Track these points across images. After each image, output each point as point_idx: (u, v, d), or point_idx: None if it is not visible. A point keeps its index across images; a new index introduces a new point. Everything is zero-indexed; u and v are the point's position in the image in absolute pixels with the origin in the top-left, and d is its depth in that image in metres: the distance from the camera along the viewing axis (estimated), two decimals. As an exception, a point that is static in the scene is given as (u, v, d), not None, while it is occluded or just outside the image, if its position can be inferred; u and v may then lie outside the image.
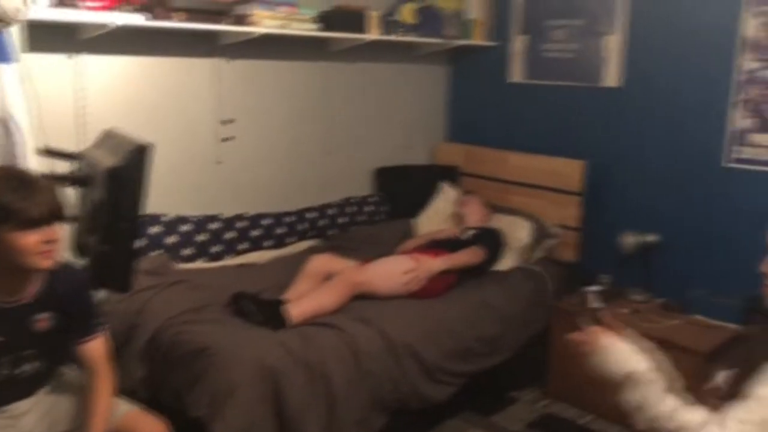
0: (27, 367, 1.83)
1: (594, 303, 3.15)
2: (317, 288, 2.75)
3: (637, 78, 3.37)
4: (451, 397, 2.77)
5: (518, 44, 3.81)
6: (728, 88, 3.05)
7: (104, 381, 1.90)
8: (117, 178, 1.81)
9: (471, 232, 3.35)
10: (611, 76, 3.45)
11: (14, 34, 2.11)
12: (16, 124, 2.08)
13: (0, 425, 1.82)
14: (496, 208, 3.68)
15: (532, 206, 3.67)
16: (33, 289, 1.79)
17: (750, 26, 2.97)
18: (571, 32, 3.58)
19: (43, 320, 1.81)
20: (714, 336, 2.91)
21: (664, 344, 2.65)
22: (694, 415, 1.45)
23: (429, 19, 3.63)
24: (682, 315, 3.09)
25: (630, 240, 3.23)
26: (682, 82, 3.21)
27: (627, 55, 3.39)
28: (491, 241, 3.30)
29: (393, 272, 2.90)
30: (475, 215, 3.55)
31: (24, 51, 2.19)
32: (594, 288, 3.21)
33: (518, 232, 3.52)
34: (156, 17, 2.63)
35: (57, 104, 2.62)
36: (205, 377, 2.22)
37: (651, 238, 3.19)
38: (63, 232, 1.75)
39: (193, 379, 2.26)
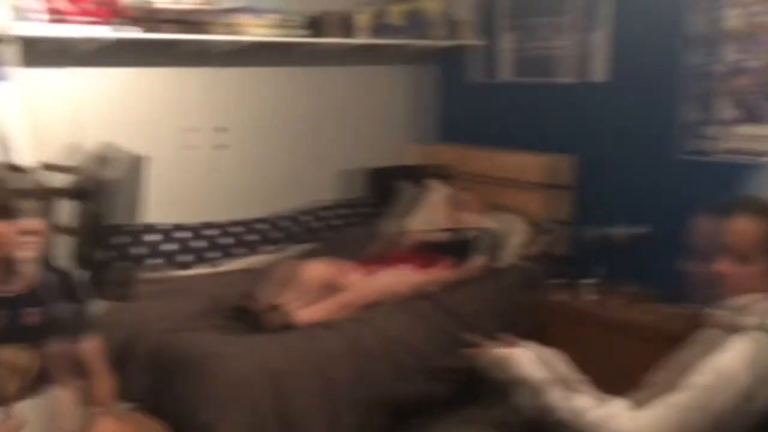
0: None
1: (589, 295, 3.20)
2: (324, 301, 2.79)
3: (624, 71, 3.41)
4: (453, 393, 2.82)
5: (506, 42, 3.85)
6: (714, 78, 3.10)
7: (102, 380, 1.96)
8: (113, 190, 1.85)
9: (466, 234, 3.39)
10: (599, 70, 3.49)
11: (7, 53, 2.14)
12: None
13: None
14: (490, 207, 3.72)
15: (525, 203, 3.71)
16: (24, 282, 1.84)
17: (732, 18, 3.01)
18: (558, 29, 3.62)
19: (32, 314, 1.86)
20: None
21: (659, 335, 2.74)
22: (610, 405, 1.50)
23: (416, 21, 3.67)
24: (675, 305, 3.13)
25: (620, 232, 3.26)
26: (669, 73, 3.25)
27: (613, 49, 3.43)
28: (491, 246, 3.35)
29: (401, 290, 2.94)
30: (471, 214, 3.59)
31: (19, 66, 2.22)
32: (588, 281, 3.25)
33: (512, 229, 3.56)
34: (146, 30, 2.66)
35: (53, 118, 2.64)
36: (210, 382, 2.25)
37: (641, 229, 3.23)
38: (41, 226, 1.79)
39: (197, 385, 2.29)
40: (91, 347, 1.97)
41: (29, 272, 1.84)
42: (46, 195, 1.88)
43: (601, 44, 3.46)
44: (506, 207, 3.71)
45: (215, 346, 2.35)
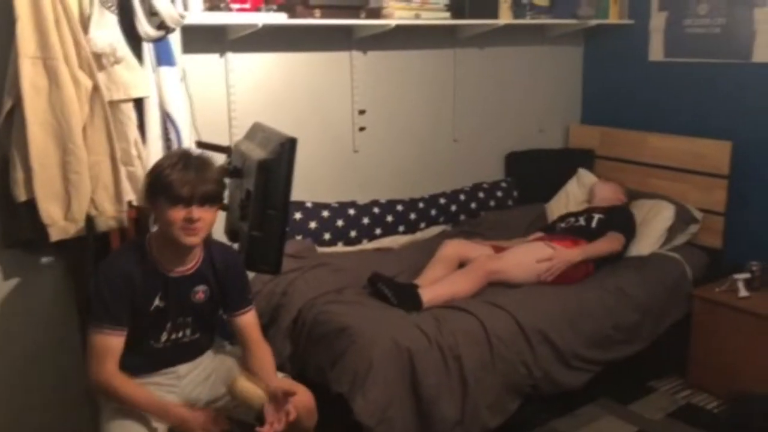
0: (187, 333, 2.04)
1: (743, 291, 3.00)
2: (451, 274, 2.82)
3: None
4: (588, 383, 2.76)
5: (658, 21, 3.64)
6: None
7: (262, 348, 2.09)
8: (267, 169, 1.96)
9: (597, 217, 3.25)
10: (762, 50, 3.22)
11: (175, 39, 2.32)
12: (173, 123, 2.29)
13: (165, 384, 2.04)
14: (635, 194, 3.57)
15: (674, 190, 3.52)
16: (194, 262, 1.99)
17: None
18: (716, 5, 3.38)
19: (201, 292, 2.01)
20: None
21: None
22: None
23: (562, 0, 3.55)
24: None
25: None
26: None
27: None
28: (625, 223, 3.21)
29: (529, 261, 2.89)
30: (605, 196, 3.47)
31: (180, 53, 2.41)
32: (743, 275, 3.04)
33: (661, 214, 3.39)
34: (297, 15, 2.78)
35: (209, 101, 2.83)
36: (346, 355, 2.35)
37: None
38: (212, 215, 1.90)
39: (335, 357, 2.39)
40: (251, 319, 2.10)
41: (198, 252, 2.00)
42: (223, 177, 2.01)
43: (766, 21, 3.19)
44: (654, 194, 3.55)
45: (355, 320, 2.44)
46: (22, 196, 2.07)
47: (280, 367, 2.39)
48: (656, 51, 3.68)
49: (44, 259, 2.40)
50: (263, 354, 2.09)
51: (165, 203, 1.83)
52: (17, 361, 2.44)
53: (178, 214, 1.83)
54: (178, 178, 1.82)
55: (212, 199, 1.88)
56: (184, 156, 1.90)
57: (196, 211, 1.84)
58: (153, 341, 1.99)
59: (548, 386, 2.62)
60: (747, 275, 3.04)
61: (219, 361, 2.16)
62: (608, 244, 3.05)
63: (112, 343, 1.87)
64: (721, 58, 3.39)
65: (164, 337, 2.00)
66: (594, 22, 3.68)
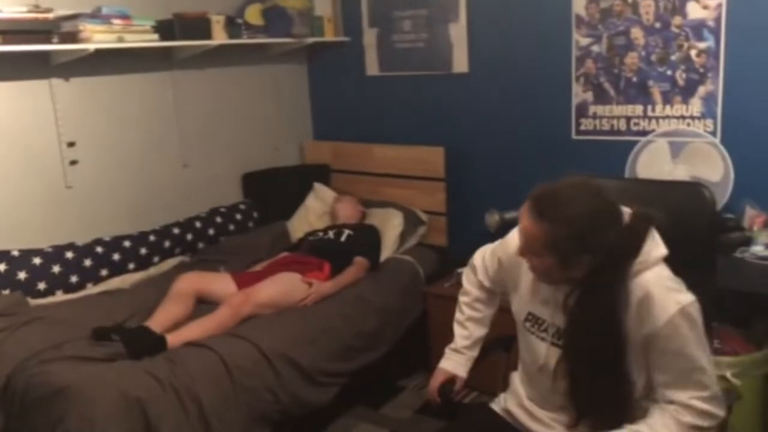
0: None
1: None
2: (202, 319, 2.64)
3: (483, 62, 3.48)
4: (339, 395, 2.77)
5: (370, 37, 3.83)
6: (569, 63, 3.21)
7: None
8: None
9: (347, 233, 3.35)
10: (460, 62, 3.54)
11: None
12: None
13: None
14: (368, 203, 3.72)
15: (403, 196, 3.73)
16: None
17: (579, 5, 3.13)
18: (418, 21, 3.64)
19: None
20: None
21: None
22: None
23: (276, 20, 3.58)
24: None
25: (494, 218, 3.33)
26: (526, 61, 3.34)
27: (472, 40, 3.49)
28: (371, 245, 3.33)
29: (285, 301, 2.84)
30: (348, 214, 3.57)
31: None
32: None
33: (391, 222, 3.57)
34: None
35: None
36: (65, 420, 2.10)
37: (512, 214, 3.30)
38: None
39: (53, 424, 2.12)
40: None
41: None
42: None
43: (460, 35, 3.50)
44: (384, 202, 3.72)
45: (74, 378, 2.18)
46: None
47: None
48: (372, 66, 3.87)
49: None
50: None
51: None
52: None
53: None
54: None
55: None
56: None
57: None
58: None
59: (297, 408, 2.58)
60: (469, 268, 3.30)
61: None
62: (355, 272, 3.13)
63: None
64: (427, 70, 3.66)
65: None
66: (311, 40, 3.75)
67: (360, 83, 3.94)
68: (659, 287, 1.50)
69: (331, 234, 3.37)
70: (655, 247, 1.55)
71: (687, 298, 1.50)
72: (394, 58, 3.77)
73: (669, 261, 1.56)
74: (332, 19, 3.86)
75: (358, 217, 3.61)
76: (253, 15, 3.49)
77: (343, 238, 3.32)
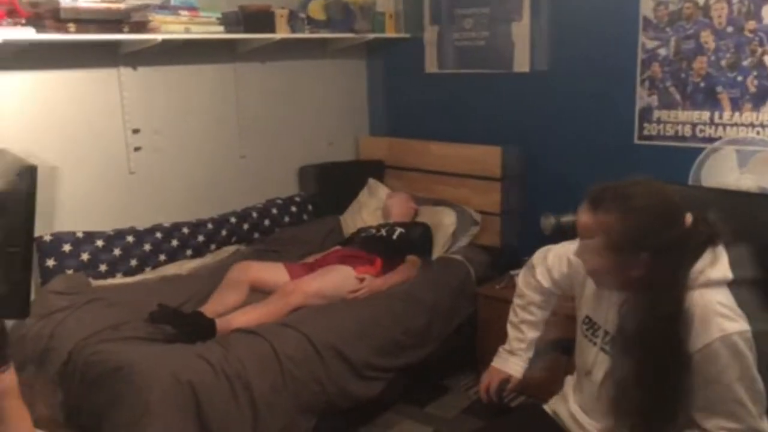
0: None
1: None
2: (256, 305, 2.71)
3: (545, 62, 3.43)
4: (385, 391, 2.78)
5: (430, 35, 3.82)
6: (634, 66, 3.13)
7: (19, 413, 1.77)
8: (1, 203, 1.75)
9: (399, 230, 3.36)
10: (521, 61, 3.50)
11: None
12: None
13: None
14: (421, 200, 3.71)
15: (456, 195, 3.70)
16: None
17: (647, 7, 3.05)
18: (479, 20, 3.61)
19: None
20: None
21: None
22: None
23: (339, 15, 3.60)
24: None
25: (549, 222, 3.29)
26: (590, 63, 3.28)
27: (535, 40, 3.44)
28: (423, 243, 3.34)
29: (336, 293, 2.87)
30: (401, 210, 3.57)
31: None
32: (518, 272, 3.24)
33: (444, 221, 3.56)
34: (47, 30, 2.53)
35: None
36: (122, 397, 2.17)
37: (568, 218, 3.25)
38: None
39: (111, 400, 2.20)
40: (8, 377, 1.65)
41: None
42: None
43: (522, 35, 3.46)
44: (438, 200, 3.71)
45: (131, 358, 2.26)
46: None
47: (50, 418, 2.16)
48: (431, 63, 3.86)
49: None
50: (18, 421, 1.70)
51: None
52: None
53: None
54: None
55: None
56: None
57: None
58: None
59: (343, 400, 2.60)
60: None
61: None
62: (407, 270, 3.14)
63: None
64: (487, 69, 3.63)
65: None
66: (372, 36, 3.77)
67: (418, 80, 3.93)
68: (708, 309, 1.42)
69: (383, 232, 3.38)
70: (720, 267, 1.47)
71: (735, 326, 1.41)
72: (454, 56, 3.75)
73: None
74: (393, 15, 3.86)
75: (410, 214, 3.61)
76: (316, 10, 3.52)
77: (395, 236, 3.33)
